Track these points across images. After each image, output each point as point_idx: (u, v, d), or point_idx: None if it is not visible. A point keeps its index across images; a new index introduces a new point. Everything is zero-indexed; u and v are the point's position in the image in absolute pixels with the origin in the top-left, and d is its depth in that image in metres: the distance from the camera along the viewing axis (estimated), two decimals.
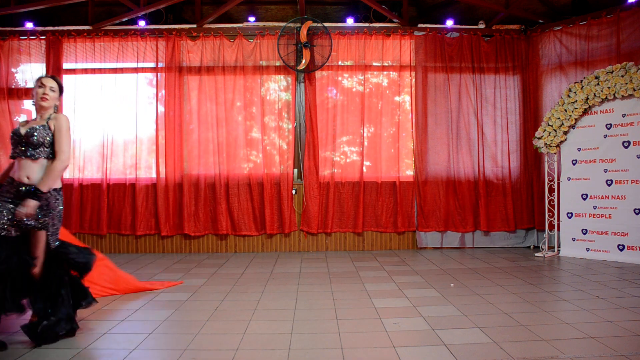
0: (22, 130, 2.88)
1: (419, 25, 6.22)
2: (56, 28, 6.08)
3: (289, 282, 4.36)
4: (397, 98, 6.19)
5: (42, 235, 2.85)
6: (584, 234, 5.32)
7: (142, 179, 6.04)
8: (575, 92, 5.33)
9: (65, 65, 6.12)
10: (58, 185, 2.94)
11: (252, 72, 6.08)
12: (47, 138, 2.89)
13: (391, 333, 2.93)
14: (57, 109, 3.08)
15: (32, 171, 2.84)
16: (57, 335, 2.80)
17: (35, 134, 2.85)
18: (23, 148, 2.87)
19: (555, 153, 5.62)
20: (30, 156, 2.85)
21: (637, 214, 4.91)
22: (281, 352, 2.63)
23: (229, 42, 6.08)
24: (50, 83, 3.02)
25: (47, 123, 2.93)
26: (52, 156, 2.92)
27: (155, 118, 6.02)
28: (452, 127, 6.12)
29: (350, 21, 6.17)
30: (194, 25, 6.14)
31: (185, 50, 6.10)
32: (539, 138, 5.61)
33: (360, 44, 6.11)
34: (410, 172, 6.22)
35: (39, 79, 3.01)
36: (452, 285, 4.17)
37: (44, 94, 2.97)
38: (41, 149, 2.87)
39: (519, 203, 6.12)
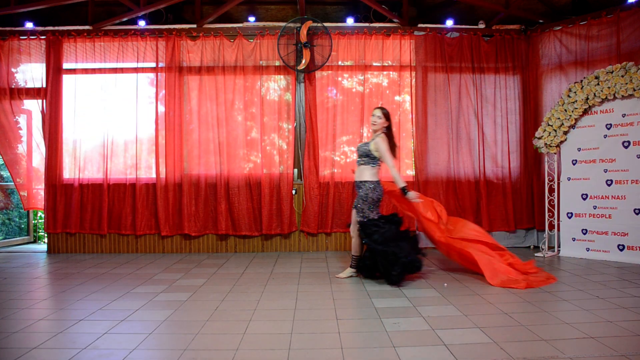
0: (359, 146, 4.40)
1: (419, 25, 6.22)
2: (56, 28, 6.08)
3: (289, 282, 4.36)
4: (397, 98, 6.19)
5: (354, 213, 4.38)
6: (584, 234, 5.32)
7: (142, 179, 6.04)
8: (575, 92, 5.33)
9: (65, 65, 6.13)
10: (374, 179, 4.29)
11: (252, 72, 6.08)
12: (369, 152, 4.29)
13: (391, 333, 2.93)
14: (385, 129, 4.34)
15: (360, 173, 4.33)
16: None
17: (362, 148, 4.36)
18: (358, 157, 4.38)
19: (555, 153, 5.62)
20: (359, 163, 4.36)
21: (637, 214, 4.91)
22: (281, 352, 2.63)
23: (229, 42, 6.08)
24: (377, 113, 4.33)
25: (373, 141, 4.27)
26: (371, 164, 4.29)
27: (155, 118, 6.02)
28: (452, 127, 6.12)
29: (350, 21, 6.18)
30: (194, 25, 6.14)
31: (185, 50, 6.10)
32: (539, 138, 5.61)
33: (360, 44, 6.11)
34: (410, 172, 6.22)
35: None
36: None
37: (373, 122, 4.34)
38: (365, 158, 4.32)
39: (519, 203, 6.12)
